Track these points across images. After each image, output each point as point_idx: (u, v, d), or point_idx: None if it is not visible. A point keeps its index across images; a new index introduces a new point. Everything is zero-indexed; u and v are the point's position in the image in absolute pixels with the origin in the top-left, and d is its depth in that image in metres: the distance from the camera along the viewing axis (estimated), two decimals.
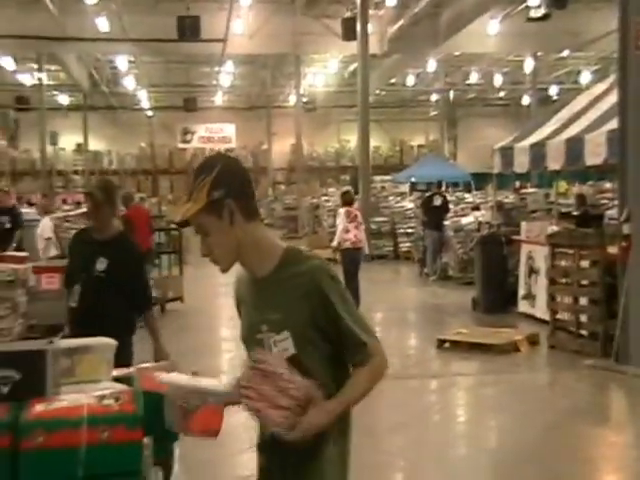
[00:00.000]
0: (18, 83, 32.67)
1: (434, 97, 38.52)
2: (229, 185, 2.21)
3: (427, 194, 18.05)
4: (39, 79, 30.01)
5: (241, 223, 2.23)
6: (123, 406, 2.03)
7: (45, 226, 12.43)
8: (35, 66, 29.92)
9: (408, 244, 19.82)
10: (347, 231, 11.74)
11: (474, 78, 33.63)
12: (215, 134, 38.87)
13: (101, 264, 4.67)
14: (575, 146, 10.21)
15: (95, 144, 38.75)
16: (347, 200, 12.21)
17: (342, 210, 12.07)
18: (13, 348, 2.16)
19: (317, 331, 2.24)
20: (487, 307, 11.85)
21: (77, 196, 23.73)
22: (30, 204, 19.87)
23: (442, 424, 7.13)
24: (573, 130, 10.71)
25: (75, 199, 21.51)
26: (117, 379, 2.47)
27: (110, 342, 2.62)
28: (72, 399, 2.08)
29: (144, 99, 37.74)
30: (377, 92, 33.69)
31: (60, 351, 2.26)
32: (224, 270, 2.30)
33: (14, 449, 1.87)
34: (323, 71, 32.58)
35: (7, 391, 2.02)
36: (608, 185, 18.92)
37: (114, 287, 4.66)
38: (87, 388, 2.26)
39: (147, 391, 2.21)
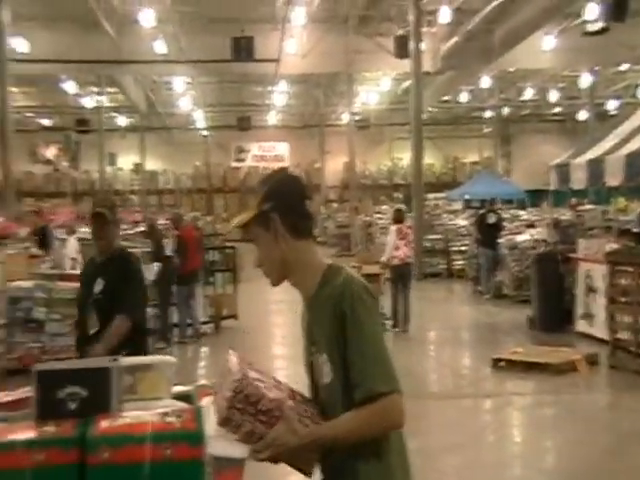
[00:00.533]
0: (79, 106, 33.59)
1: (488, 114, 38.26)
2: (278, 200, 2.24)
3: (481, 212, 17.89)
4: (99, 102, 30.75)
5: (287, 239, 2.24)
6: (185, 423, 2.06)
7: (71, 246, 12.64)
8: (95, 89, 30.70)
9: (461, 262, 19.66)
10: (397, 248, 12.06)
11: (529, 94, 33.32)
12: (268, 153, 39.25)
13: (98, 285, 4.51)
14: (635, 162, 10.03)
15: (151, 164, 39.50)
16: (398, 218, 12.50)
17: (394, 227, 12.37)
18: (80, 366, 2.22)
19: (344, 357, 2.12)
20: (543, 326, 11.67)
21: (135, 215, 24.16)
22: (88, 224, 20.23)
23: (497, 444, 7.03)
24: (633, 145, 10.53)
25: (133, 218, 21.88)
26: (176, 397, 2.51)
27: (170, 360, 2.67)
28: (135, 416, 2.12)
29: (199, 119, 38.36)
30: (430, 109, 33.60)
31: (123, 369, 2.31)
32: (273, 284, 2.31)
33: (82, 464, 1.93)
34: (376, 89, 32.66)
35: (74, 407, 2.08)
36: None
37: (112, 308, 4.42)
38: (149, 405, 2.31)
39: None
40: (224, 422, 2.06)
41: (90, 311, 4.51)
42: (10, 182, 17.66)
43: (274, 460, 2.10)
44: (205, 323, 12.52)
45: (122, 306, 4.43)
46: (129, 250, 4.86)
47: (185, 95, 32.94)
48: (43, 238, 12.92)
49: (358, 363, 2.08)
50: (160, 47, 22.72)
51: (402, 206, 14.72)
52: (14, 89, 20.49)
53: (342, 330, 2.10)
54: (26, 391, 2.27)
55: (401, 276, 12.06)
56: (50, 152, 36.74)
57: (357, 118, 33.35)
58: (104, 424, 2.03)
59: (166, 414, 2.13)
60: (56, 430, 1.98)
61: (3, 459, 1.89)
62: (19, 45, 21.08)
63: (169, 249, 11.67)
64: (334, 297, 2.14)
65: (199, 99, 33.97)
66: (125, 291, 4.46)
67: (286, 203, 2.26)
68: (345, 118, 33.54)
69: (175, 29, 22.82)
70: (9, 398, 2.34)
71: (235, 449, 2.11)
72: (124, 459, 1.95)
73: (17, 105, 25.06)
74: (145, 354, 4.18)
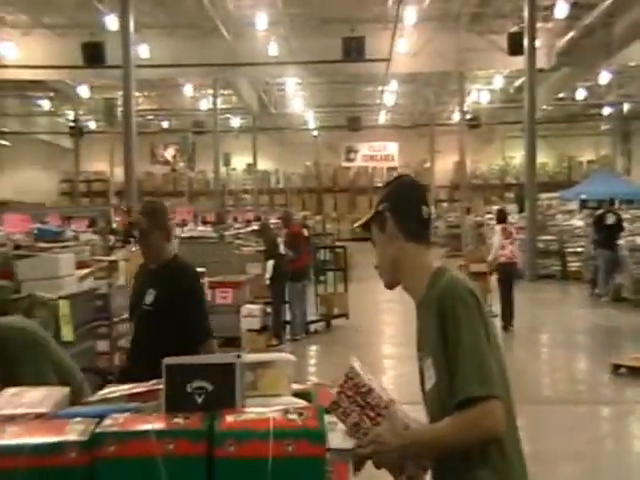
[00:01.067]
0: (195, 108, 34.64)
1: (606, 111, 36.91)
2: (395, 202, 2.30)
3: (599, 212, 17.29)
4: (214, 103, 31.60)
5: (400, 240, 2.28)
6: (307, 421, 2.10)
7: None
8: (210, 91, 31.56)
9: (577, 264, 19.06)
10: (503, 247, 12.46)
11: None
12: (378, 152, 39.22)
13: (149, 296, 4.20)
14: None
15: (263, 164, 40.23)
16: (501, 218, 12.90)
17: (498, 227, 12.88)
18: (205, 361, 2.29)
19: (446, 359, 2.11)
20: None
21: (248, 214, 24.68)
22: (205, 222, 20.89)
23: (618, 454, 6.78)
24: None
25: (245, 217, 22.38)
26: (296, 394, 2.56)
27: (290, 358, 2.72)
28: (258, 412, 2.18)
29: (310, 119, 38.76)
30: (544, 107, 32.75)
31: (246, 365, 2.38)
32: (386, 286, 2.35)
33: (209, 456, 2.00)
34: (487, 87, 32.10)
35: (201, 401, 2.15)
36: None
37: (162, 321, 4.12)
38: (270, 402, 2.36)
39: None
40: (333, 406, 2.14)
41: (138, 319, 4.28)
42: (132, 182, 18.37)
43: (377, 465, 2.12)
44: (316, 322, 12.68)
45: (198, 329, 4.14)
46: (184, 259, 4.47)
47: (296, 96, 33.36)
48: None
49: (457, 366, 2.05)
50: (272, 49, 23.12)
51: (504, 207, 15.29)
52: (136, 93, 21.30)
53: (444, 332, 2.10)
54: (156, 383, 2.36)
55: (508, 274, 12.36)
56: (168, 153, 38.05)
57: (468, 117, 32.86)
58: (229, 419, 2.09)
59: (287, 411, 2.17)
60: (185, 422, 2.05)
61: (138, 446, 1.98)
62: (141, 51, 21.93)
63: (281, 247, 11.87)
64: (437, 299, 2.15)
65: (310, 100, 34.33)
66: (189, 312, 4.14)
67: (402, 206, 2.31)
68: (456, 117, 33.12)
69: (286, 31, 23.14)
70: (141, 389, 2.44)
71: (344, 441, 2.16)
72: (249, 453, 2.01)
73: (139, 109, 26.06)
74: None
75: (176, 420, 2.07)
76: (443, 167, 38.55)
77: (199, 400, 2.17)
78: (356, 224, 2.42)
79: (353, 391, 2.13)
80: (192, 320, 4.15)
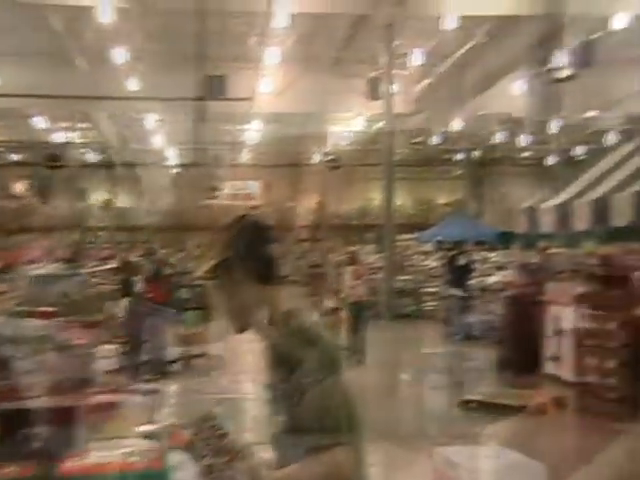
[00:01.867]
0: (50, 141, 33.50)
1: (459, 156, 38.73)
2: (239, 247, 2.26)
3: (451, 253, 18.02)
4: (70, 137, 30.71)
5: (247, 284, 2.24)
6: (150, 463, 2.04)
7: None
8: (66, 125, 30.65)
9: (433, 303, 19.71)
10: (353, 287, 13.27)
11: (500, 137, 33.81)
12: (240, 191, 39.28)
13: None
14: (602, 207, 10.19)
15: (122, 200, 39.32)
16: (352, 260, 14.16)
17: (349, 268, 13.70)
18: (46, 404, 2.18)
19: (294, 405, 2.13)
20: (513, 368, 11.70)
21: (104, 251, 23.96)
22: (59, 259, 20.05)
23: None
24: (600, 191, 10.70)
25: (102, 255, 21.70)
26: (145, 435, 2.48)
27: (137, 398, 2.63)
28: (100, 455, 2.09)
29: (171, 156, 38.37)
30: (402, 150, 33.95)
31: (90, 407, 2.28)
32: (235, 331, 2.30)
33: None
34: (349, 129, 32.93)
35: (40, 447, 2.04)
36: (636, 246, 18.74)
37: None
38: (115, 444, 2.28)
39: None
40: (188, 447, 2.12)
41: None
42: None
43: None
44: (175, 361, 12.42)
45: None
46: None
47: (157, 132, 32.96)
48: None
49: (302, 415, 2.06)
50: (132, 84, 22.81)
51: (355, 248, 16.37)
52: None
53: (290, 374, 2.10)
54: None
55: (358, 313, 13.10)
56: (19, 187, 36.56)
57: (330, 158, 33.56)
58: (68, 464, 2.00)
59: (130, 453, 2.10)
60: (17, 471, 1.94)
61: None
62: None
63: (138, 285, 11.60)
64: (285, 343, 2.15)
65: (172, 136, 34.00)
66: None
67: (246, 250, 2.26)
68: (318, 158, 33.75)
69: (147, 66, 22.91)
70: None
71: None
72: None
73: None
74: None
75: (8, 470, 1.94)
76: (306, 207, 39.08)
77: (37, 445, 2.06)
78: (202, 271, 2.35)
79: (208, 433, 2.11)
80: None
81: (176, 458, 2.12)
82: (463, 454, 2.34)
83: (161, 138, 34.01)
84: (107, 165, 37.65)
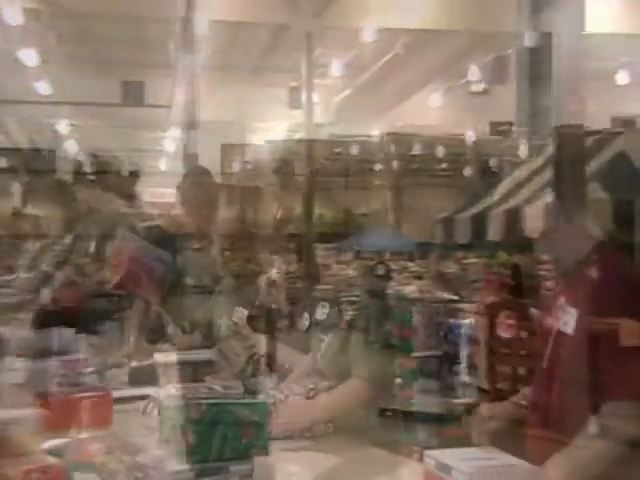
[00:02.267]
0: None
1: (378, 166, 39.16)
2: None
3: (370, 263, 18.14)
4: None
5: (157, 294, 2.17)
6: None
7: None
8: None
9: (352, 312, 19.77)
10: (269, 294, 13.09)
11: (418, 149, 34.34)
12: (159, 199, 38.76)
13: None
14: (514, 218, 10.39)
15: (35, 209, 38.25)
16: (271, 268, 13.97)
17: (264, 276, 13.48)
18: None
19: None
20: (425, 375, 11.79)
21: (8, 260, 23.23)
22: None
23: None
24: (513, 202, 10.93)
25: (5, 264, 21.04)
26: (49, 451, 2.37)
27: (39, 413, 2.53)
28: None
29: (87, 163, 37.57)
30: (322, 161, 34.13)
31: None
32: (147, 341, 2.23)
33: None
34: (269, 139, 32.89)
35: None
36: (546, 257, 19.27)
37: None
38: (14, 462, 2.18)
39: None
40: (99, 463, 2.06)
41: None
42: None
43: None
44: (90, 374, 12.09)
45: None
46: None
47: (71, 138, 32.21)
48: None
49: None
50: (43, 88, 22.22)
51: (286, 255, 16.21)
52: None
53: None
54: None
55: (270, 320, 13.02)
56: None
57: (249, 167, 33.44)
58: None
59: (30, 471, 2.02)
60: None
61: None
62: None
63: (45, 293, 11.22)
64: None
65: (87, 143, 33.28)
66: None
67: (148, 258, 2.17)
68: (237, 167, 33.57)
69: (60, 70, 22.37)
70: None
71: None
72: None
73: None
74: None
75: None
76: (226, 216, 38.86)
77: None
78: (110, 284, 2.26)
79: (121, 450, 2.05)
80: None
81: (81, 477, 2.07)
82: (455, 456, 2.38)
83: (74, 144, 33.23)
84: (16, 171, 36.59)
